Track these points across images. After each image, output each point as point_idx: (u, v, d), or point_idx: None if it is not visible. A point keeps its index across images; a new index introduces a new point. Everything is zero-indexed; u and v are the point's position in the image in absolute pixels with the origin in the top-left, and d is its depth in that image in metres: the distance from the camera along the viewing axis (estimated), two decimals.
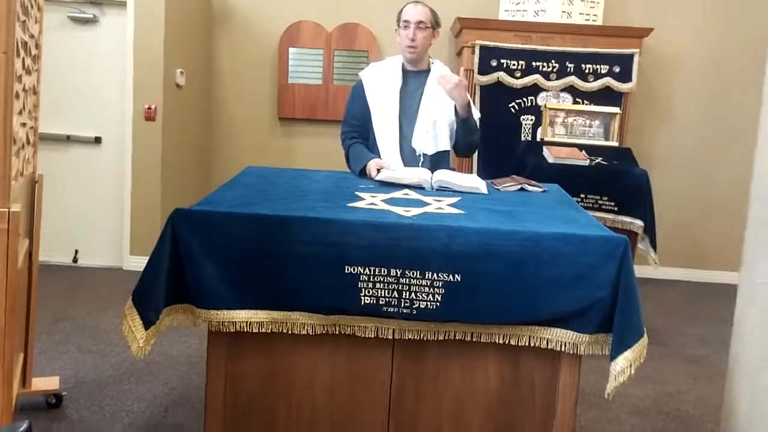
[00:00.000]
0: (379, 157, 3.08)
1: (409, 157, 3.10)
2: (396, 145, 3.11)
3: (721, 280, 5.67)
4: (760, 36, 5.45)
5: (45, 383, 3.00)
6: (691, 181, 5.90)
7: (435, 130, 3.11)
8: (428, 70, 3.19)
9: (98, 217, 5.25)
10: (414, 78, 3.18)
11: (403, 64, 3.18)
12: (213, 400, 2.19)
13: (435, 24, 3.13)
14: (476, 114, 3.22)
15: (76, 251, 5.25)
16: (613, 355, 2.05)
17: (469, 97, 3.12)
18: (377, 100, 3.15)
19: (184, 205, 2.15)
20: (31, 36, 2.64)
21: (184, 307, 2.15)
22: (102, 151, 5.22)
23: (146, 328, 2.07)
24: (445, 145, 3.14)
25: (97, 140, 5.19)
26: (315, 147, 5.91)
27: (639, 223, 4.36)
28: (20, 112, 2.36)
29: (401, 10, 3.14)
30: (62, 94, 5.04)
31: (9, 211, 1.97)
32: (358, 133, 3.19)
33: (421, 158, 3.09)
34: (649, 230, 4.39)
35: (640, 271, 4.32)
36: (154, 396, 3.16)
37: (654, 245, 4.39)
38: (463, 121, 3.08)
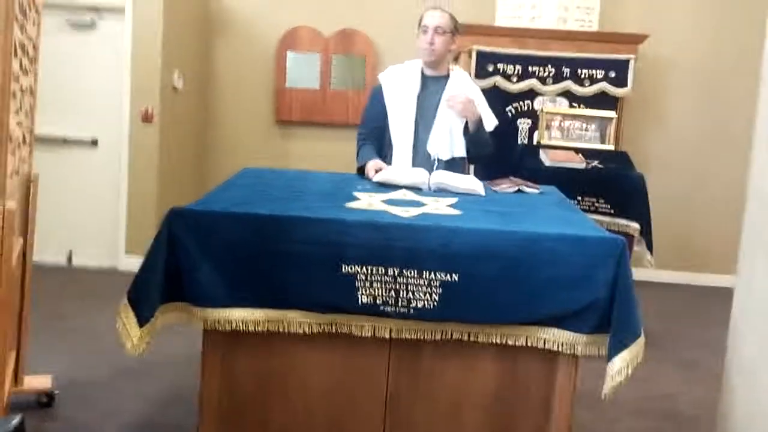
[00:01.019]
0: (390, 160, 3.09)
1: (423, 162, 3.08)
2: (410, 149, 3.11)
3: (718, 284, 5.67)
4: (752, 40, 5.43)
5: (37, 382, 2.99)
6: (687, 183, 5.91)
7: (451, 136, 3.11)
8: (447, 76, 3.19)
9: (93, 217, 5.24)
10: (433, 83, 3.17)
11: (422, 69, 3.19)
12: (208, 399, 2.18)
13: (454, 29, 3.12)
14: (492, 122, 3.22)
15: (70, 251, 5.24)
16: (611, 356, 2.05)
17: (479, 109, 3.12)
18: (395, 103, 3.15)
19: (181, 206, 2.14)
20: (29, 38, 2.64)
21: (179, 306, 2.14)
22: (98, 153, 5.21)
23: (141, 326, 2.06)
24: (461, 151, 3.14)
25: (94, 142, 5.19)
26: (312, 150, 5.91)
27: (635, 225, 4.36)
28: (17, 112, 2.36)
29: (421, 16, 3.14)
30: (60, 96, 5.02)
31: (3, 208, 1.96)
32: (374, 135, 3.19)
33: (436, 163, 3.08)
34: (646, 233, 4.40)
35: (637, 273, 4.32)
36: (148, 395, 3.14)
37: (650, 247, 4.40)
38: (472, 135, 3.10)
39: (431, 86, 3.17)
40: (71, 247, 5.25)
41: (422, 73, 3.18)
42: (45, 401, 2.96)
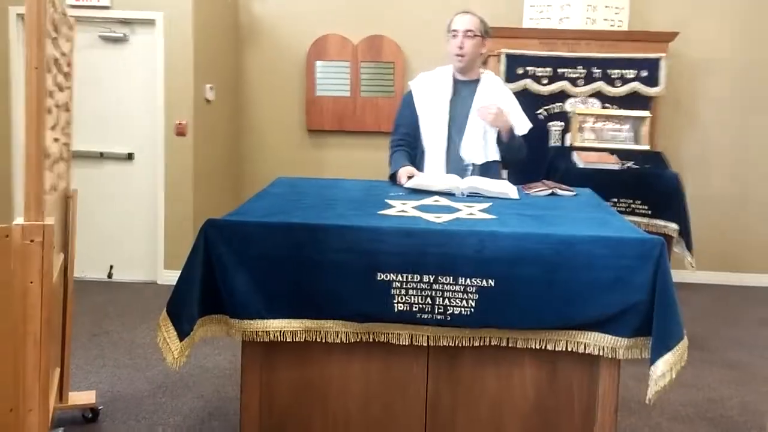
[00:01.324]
0: (423, 166, 3.08)
1: (456, 167, 3.08)
2: (443, 155, 3.10)
3: (760, 283, 5.54)
4: None
5: (82, 397, 3.03)
6: (724, 183, 5.79)
7: (485, 140, 3.09)
8: (478, 80, 3.18)
9: (132, 232, 5.32)
10: (464, 87, 3.16)
11: (453, 74, 3.18)
12: (248, 411, 2.19)
13: (484, 33, 3.11)
14: (526, 126, 3.21)
15: (111, 267, 5.32)
16: (653, 359, 2.01)
17: (511, 114, 3.12)
18: (427, 110, 3.15)
19: (216, 218, 2.16)
20: (63, 53, 2.69)
21: (217, 318, 2.16)
22: (135, 167, 5.29)
23: (181, 339, 2.08)
24: (495, 154, 3.13)
25: (130, 156, 5.27)
26: (344, 158, 5.93)
27: (673, 226, 4.28)
28: (53, 128, 2.40)
29: (450, 20, 3.13)
30: (95, 112, 5.13)
31: (43, 224, 2.00)
32: (406, 142, 3.19)
33: (470, 168, 3.07)
34: (685, 233, 4.31)
35: (676, 275, 4.20)
36: (189, 409, 3.17)
37: (690, 248, 4.31)
38: (506, 143, 3.09)
39: (463, 91, 3.15)
40: (112, 262, 5.33)
41: (453, 78, 3.17)
42: (90, 416, 2.99)
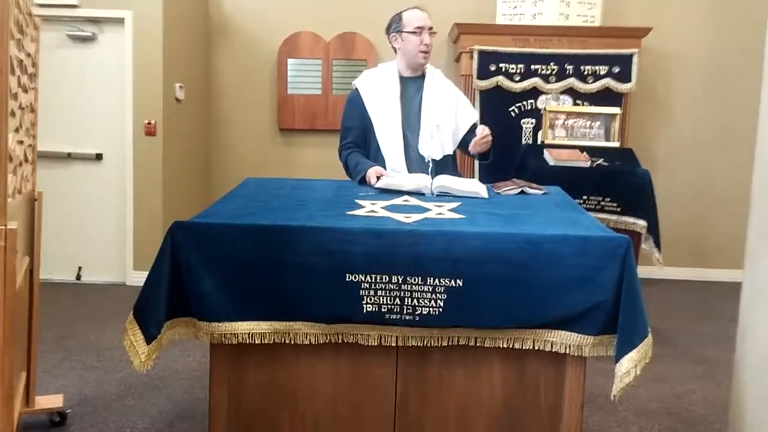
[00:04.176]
0: (384, 165, 3.06)
1: (416, 164, 3.07)
2: (401, 153, 3.08)
3: (726, 279, 5.64)
4: (758, 32, 5.43)
5: (49, 401, 2.99)
6: (694, 179, 5.87)
7: (439, 134, 3.10)
8: (423, 75, 3.18)
9: (101, 233, 5.25)
10: (411, 84, 3.16)
11: (398, 71, 3.18)
12: (217, 413, 2.17)
13: None
14: (474, 116, 3.24)
15: (80, 268, 5.25)
16: (618, 357, 2.04)
17: (460, 105, 3.19)
18: (378, 109, 3.12)
19: (186, 219, 2.14)
20: (28, 54, 2.65)
21: (185, 321, 2.14)
22: (103, 168, 5.23)
23: (148, 342, 2.06)
24: (449, 149, 3.14)
25: (98, 157, 5.20)
26: (316, 156, 5.92)
27: (642, 223, 4.34)
28: (17, 130, 2.36)
29: (402, 16, 3.11)
30: (63, 111, 5.07)
31: (6, 229, 1.96)
32: (357, 144, 3.17)
33: (431, 164, 3.07)
34: (653, 230, 4.37)
35: (645, 271, 4.25)
36: (158, 411, 3.14)
37: (658, 245, 4.37)
38: (483, 154, 3.12)
39: (410, 88, 3.15)
40: (80, 263, 5.27)
41: (399, 76, 3.16)
42: (57, 420, 2.96)
